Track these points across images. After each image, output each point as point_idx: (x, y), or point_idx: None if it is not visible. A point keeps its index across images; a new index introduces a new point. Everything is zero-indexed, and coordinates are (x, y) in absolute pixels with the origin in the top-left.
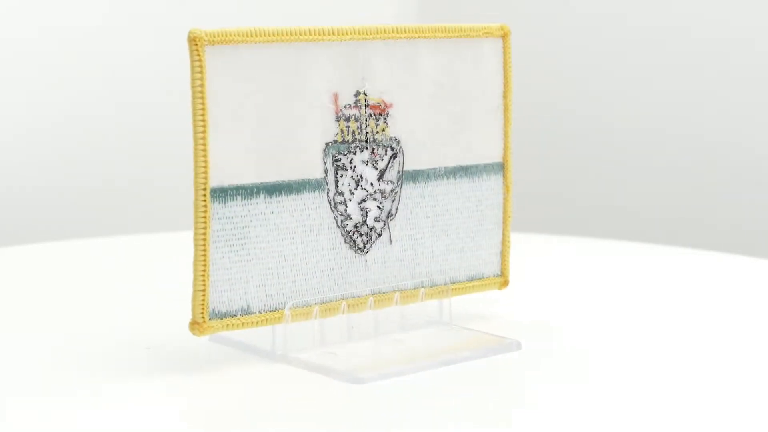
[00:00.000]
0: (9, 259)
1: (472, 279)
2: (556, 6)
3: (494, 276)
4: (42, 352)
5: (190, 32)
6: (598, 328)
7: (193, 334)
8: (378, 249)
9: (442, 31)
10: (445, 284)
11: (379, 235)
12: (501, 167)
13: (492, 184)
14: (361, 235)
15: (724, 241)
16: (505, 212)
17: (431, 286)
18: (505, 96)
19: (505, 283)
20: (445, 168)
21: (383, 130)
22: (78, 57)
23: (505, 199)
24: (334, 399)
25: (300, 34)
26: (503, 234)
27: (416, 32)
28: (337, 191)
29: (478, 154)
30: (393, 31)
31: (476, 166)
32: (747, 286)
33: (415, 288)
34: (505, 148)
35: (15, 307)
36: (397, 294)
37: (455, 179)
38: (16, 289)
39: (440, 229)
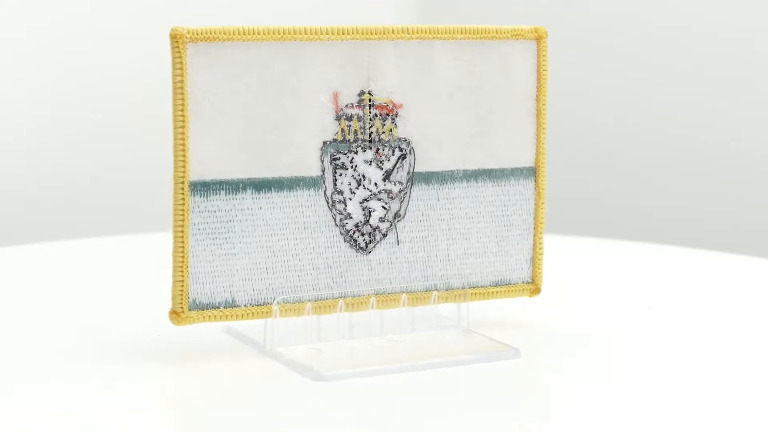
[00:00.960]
0: (11, 259)
1: (496, 285)
2: (558, 6)
3: (523, 283)
4: (42, 349)
5: (172, 29)
6: (612, 335)
7: (173, 323)
8: (383, 249)
9: (461, 33)
10: (463, 288)
11: (384, 235)
12: (532, 172)
13: (521, 189)
14: (362, 234)
15: (731, 241)
16: (536, 218)
17: (447, 290)
18: (538, 100)
19: (536, 291)
20: (464, 171)
21: (390, 130)
22: (73, 57)
23: (537, 205)
24: (292, 394)
25: (292, 33)
26: (534, 241)
27: (431, 33)
28: (335, 190)
29: (505, 158)
30: (403, 32)
31: (502, 171)
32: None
33: (427, 291)
34: (538, 154)
35: (17, 307)
36: (404, 296)
37: (476, 182)
38: (18, 289)
39: (458, 233)
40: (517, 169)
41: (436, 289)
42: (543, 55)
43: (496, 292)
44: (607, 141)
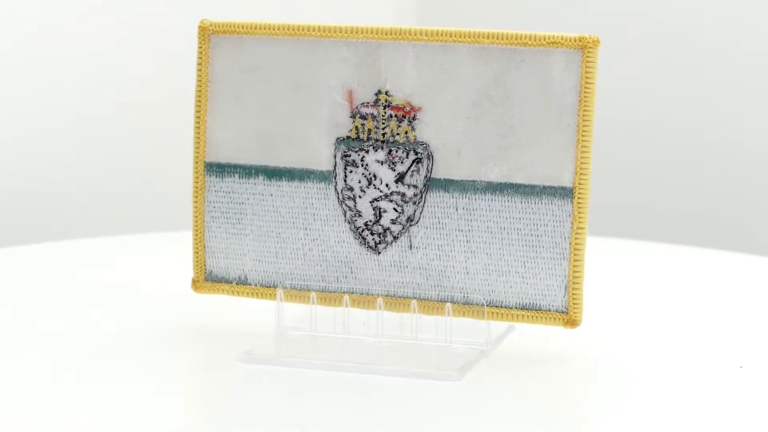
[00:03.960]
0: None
1: (523, 308)
2: (560, 6)
3: (556, 311)
4: (50, 347)
5: (201, 21)
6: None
7: (193, 290)
8: (394, 252)
9: (488, 37)
10: (481, 305)
11: (396, 238)
12: (569, 193)
13: (554, 209)
14: (372, 234)
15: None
16: (573, 244)
17: (464, 304)
18: (580, 114)
19: (572, 323)
20: (487, 182)
21: (406, 132)
22: (80, 56)
23: (574, 230)
24: (225, 377)
25: (307, 30)
26: (571, 268)
27: (455, 36)
28: (346, 186)
29: (536, 175)
30: (424, 34)
31: (533, 187)
32: None
33: (440, 301)
34: (578, 174)
35: (24, 307)
36: (414, 302)
37: (502, 196)
38: (25, 289)
39: (477, 246)
40: (550, 187)
41: (453, 301)
42: (589, 67)
43: (523, 315)
44: (615, 140)
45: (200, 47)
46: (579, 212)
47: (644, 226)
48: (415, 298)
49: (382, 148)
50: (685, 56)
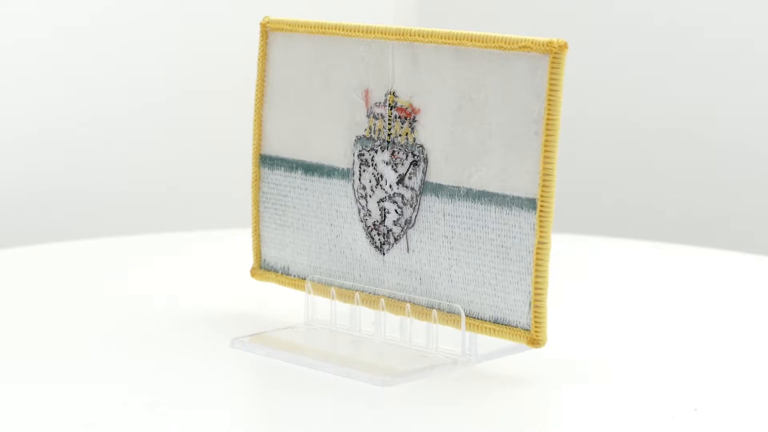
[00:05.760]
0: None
1: (495, 321)
2: (561, 7)
3: (521, 328)
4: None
5: (263, 19)
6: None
7: (251, 277)
8: (396, 254)
9: (470, 40)
10: (459, 315)
11: (396, 239)
12: (533, 205)
13: (521, 221)
14: (379, 234)
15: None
16: (537, 259)
17: (448, 312)
18: (545, 122)
19: (535, 342)
20: (467, 190)
21: (407, 134)
22: (102, 56)
23: (537, 245)
24: (207, 354)
25: (333, 29)
26: (534, 284)
27: (444, 38)
28: (360, 184)
29: (506, 184)
30: (419, 35)
31: (504, 197)
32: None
33: (428, 307)
34: (542, 186)
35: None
36: (408, 305)
37: (480, 204)
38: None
39: (459, 255)
40: (518, 198)
41: (439, 309)
42: (554, 73)
43: (494, 329)
44: (610, 138)
45: (261, 43)
46: (542, 225)
47: (644, 226)
48: (409, 301)
49: (388, 149)
50: (686, 56)
